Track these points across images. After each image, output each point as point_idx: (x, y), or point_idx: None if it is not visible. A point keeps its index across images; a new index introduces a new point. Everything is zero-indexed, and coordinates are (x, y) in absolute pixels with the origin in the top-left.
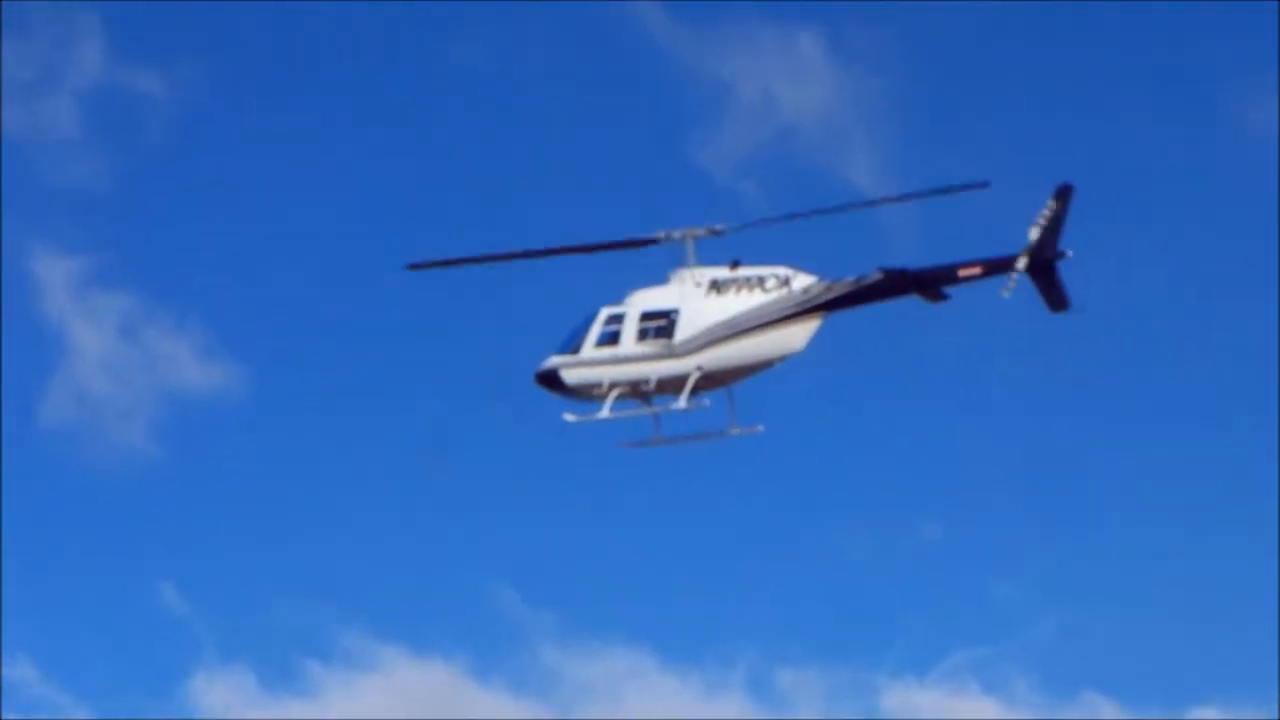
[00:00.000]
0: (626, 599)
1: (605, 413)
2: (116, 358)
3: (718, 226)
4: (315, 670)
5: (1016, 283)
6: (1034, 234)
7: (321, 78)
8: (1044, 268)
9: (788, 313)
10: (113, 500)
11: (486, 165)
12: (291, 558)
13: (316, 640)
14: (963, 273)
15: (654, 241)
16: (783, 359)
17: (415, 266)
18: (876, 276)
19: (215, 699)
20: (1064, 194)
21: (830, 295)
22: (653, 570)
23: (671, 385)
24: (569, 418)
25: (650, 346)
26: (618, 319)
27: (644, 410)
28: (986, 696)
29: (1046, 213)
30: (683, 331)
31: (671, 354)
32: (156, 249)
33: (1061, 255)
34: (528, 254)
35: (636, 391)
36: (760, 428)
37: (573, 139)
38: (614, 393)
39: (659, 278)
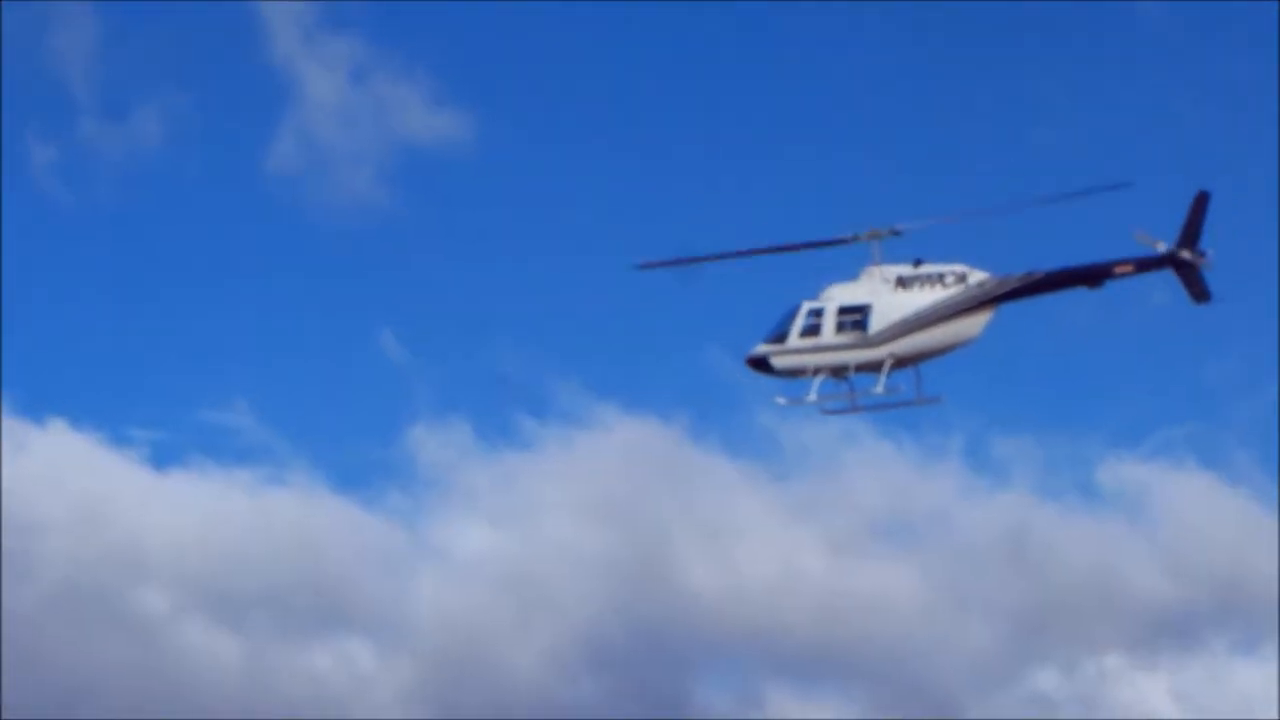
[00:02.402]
0: None
1: (812, 395)
2: (345, 104)
3: (899, 227)
4: (530, 426)
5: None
6: (1178, 237)
7: None
8: (1187, 265)
9: (966, 305)
10: (336, 246)
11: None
12: (511, 311)
13: (534, 395)
14: (1118, 270)
15: (845, 241)
16: (964, 343)
17: (647, 266)
18: (1042, 274)
19: (432, 450)
20: (1202, 200)
21: (1002, 290)
22: None
23: (867, 368)
24: (780, 401)
25: (848, 337)
26: (818, 313)
27: (844, 389)
28: (1204, 470)
29: (1187, 216)
30: (876, 324)
31: (867, 344)
32: None
33: (1202, 256)
34: (742, 253)
35: (837, 373)
36: (942, 398)
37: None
38: (818, 376)
39: (849, 274)
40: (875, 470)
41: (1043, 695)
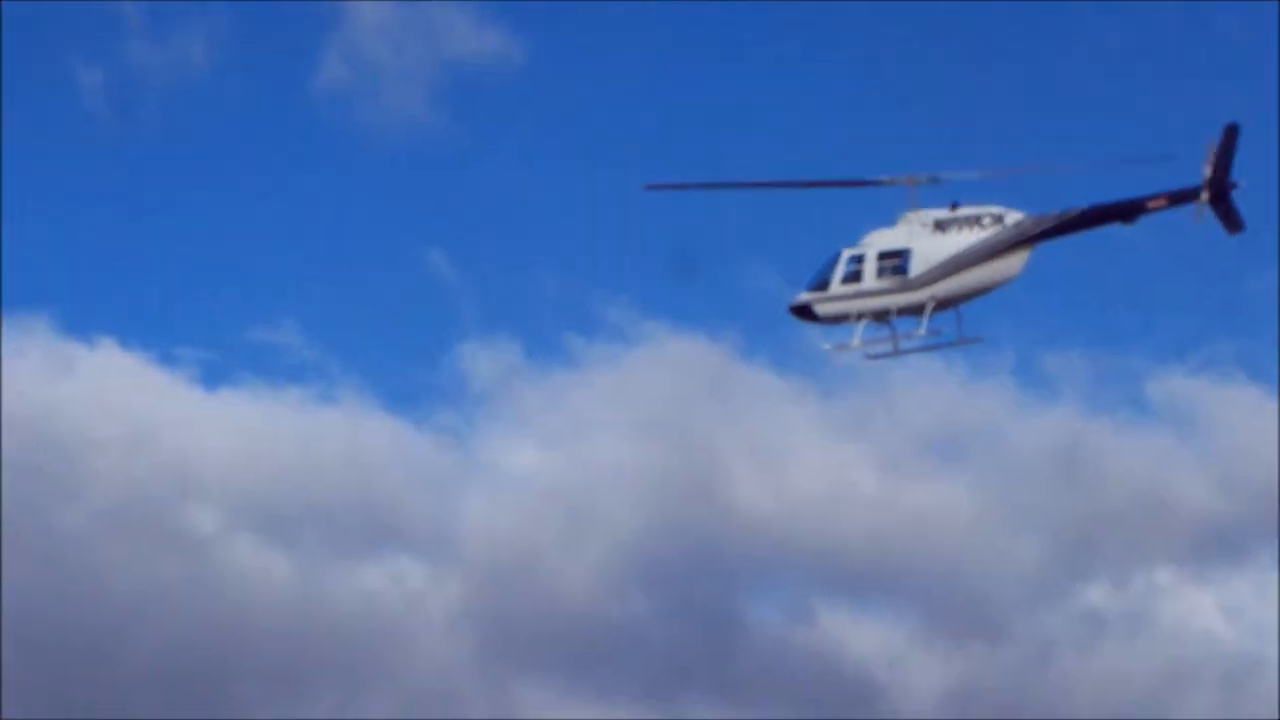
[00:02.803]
0: None
1: (856, 341)
2: (393, 23)
3: (938, 175)
4: (578, 344)
5: (1205, 212)
6: (1208, 169)
7: None
8: (1221, 196)
9: (1004, 246)
10: (384, 166)
11: None
12: (559, 229)
13: (581, 314)
14: (1151, 204)
15: (883, 183)
16: (1004, 283)
17: (653, 187)
18: (1077, 212)
19: (481, 368)
20: (1231, 132)
21: (1039, 229)
22: None
23: (909, 312)
24: (825, 347)
25: (888, 281)
26: (858, 259)
27: (886, 332)
28: (1252, 384)
29: (1217, 149)
30: (916, 267)
31: (907, 288)
32: None
33: (1234, 185)
34: (758, 184)
35: (879, 317)
36: (984, 338)
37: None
38: (861, 321)
39: (888, 220)
40: (924, 387)
41: (1092, 610)
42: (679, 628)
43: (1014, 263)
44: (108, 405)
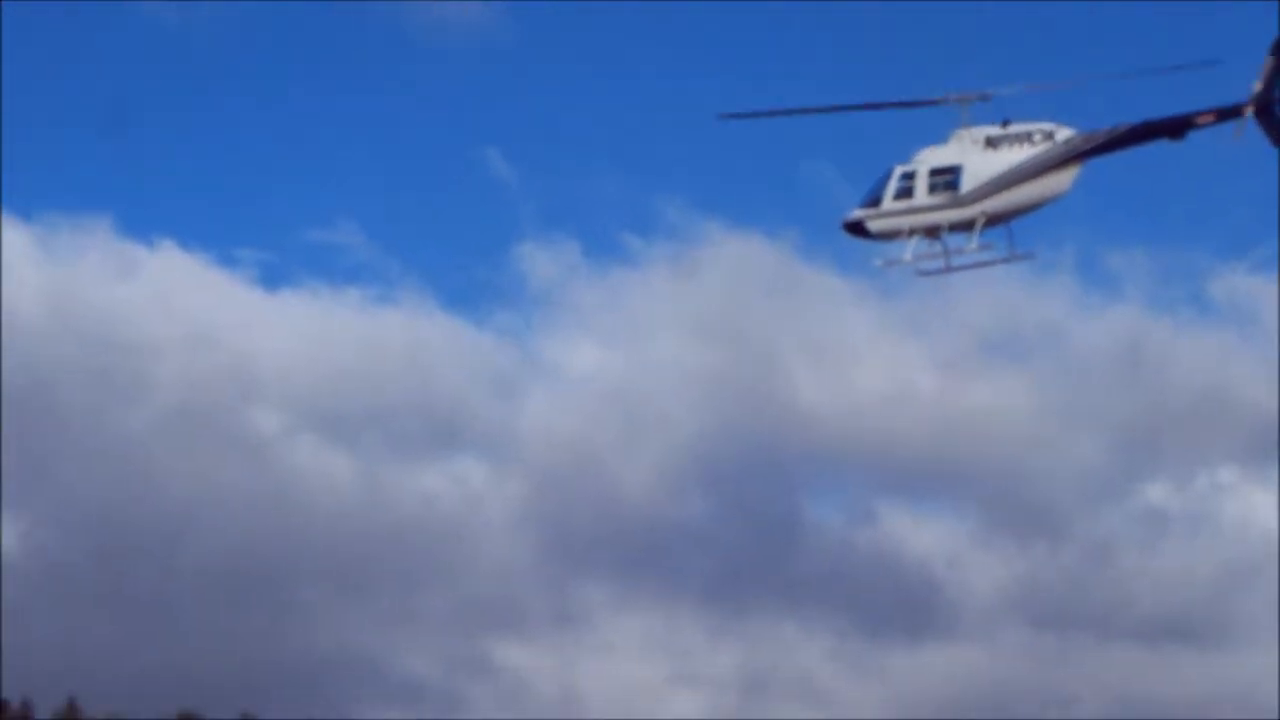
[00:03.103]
0: None
1: (908, 256)
2: None
3: (988, 91)
4: (636, 244)
5: (1245, 127)
6: (1257, 85)
7: None
8: (1267, 110)
9: (1054, 162)
10: (443, 65)
11: None
12: (617, 128)
13: (639, 213)
14: (1200, 120)
15: (936, 102)
16: (1055, 198)
17: (728, 116)
18: (1126, 128)
19: (540, 267)
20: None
21: (1089, 145)
22: None
23: (960, 228)
24: (878, 264)
25: (940, 198)
26: (910, 176)
27: (938, 248)
28: None
29: (1267, 66)
30: (967, 184)
31: (958, 204)
32: None
33: None
34: (832, 108)
35: (930, 233)
36: (1034, 254)
37: None
38: (913, 237)
39: (939, 137)
40: (986, 286)
41: (1154, 509)
42: (738, 529)
43: (1064, 179)
44: (169, 307)
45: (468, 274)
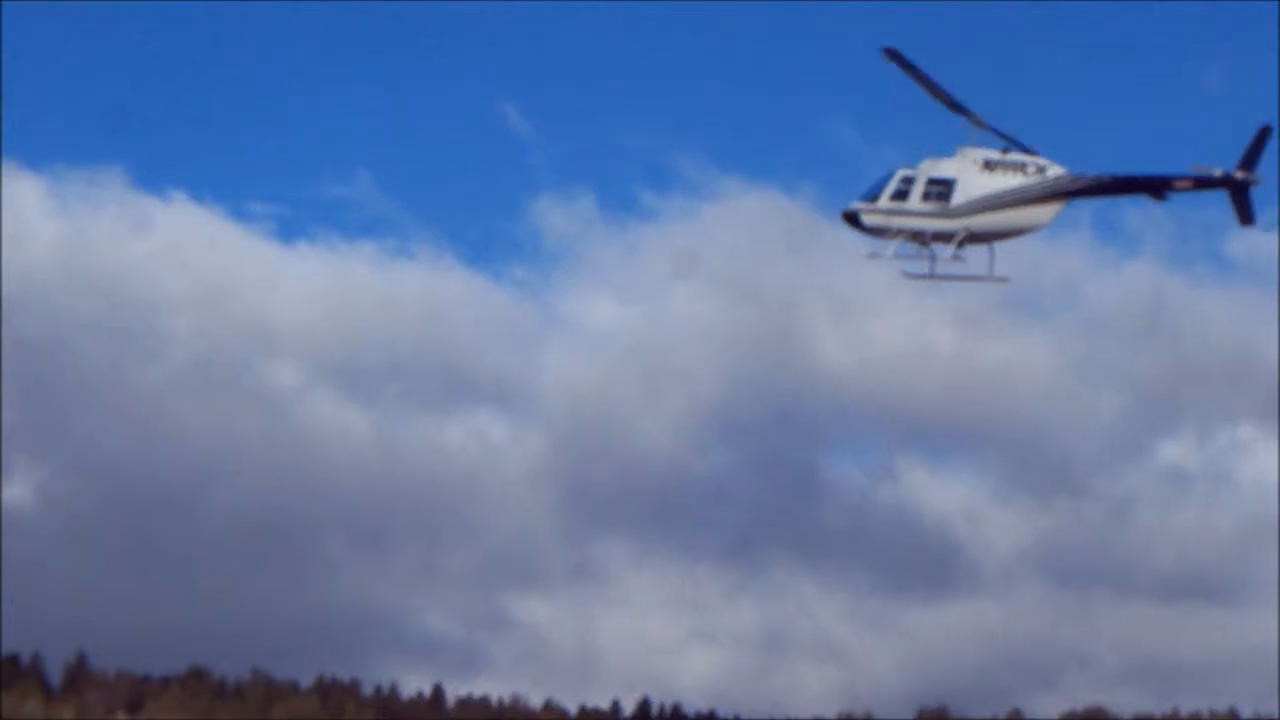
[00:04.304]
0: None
1: (890, 253)
2: None
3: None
4: (652, 199)
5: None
6: (1238, 163)
7: None
8: (1239, 189)
9: (1040, 195)
10: (456, 18)
11: None
12: (632, 82)
13: (655, 168)
14: (1179, 183)
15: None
16: (1032, 229)
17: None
18: (1110, 178)
19: (556, 221)
20: (1264, 133)
21: (1075, 186)
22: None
23: (943, 238)
24: (868, 255)
25: (931, 206)
26: (909, 180)
27: (925, 253)
28: None
29: (1249, 147)
30: (958, 197)
31: (946, 214)
32: None
33: (1254, 181)
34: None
35: (916, 238)
36: (1009, 279)
37: None
38: (899, 237)
39: (947, 150)
40: (1004, 244)
41: (1173, 466)
42: (759, 484)
43: (1045, 213)
44: (183, 261)
45: (484, 228)
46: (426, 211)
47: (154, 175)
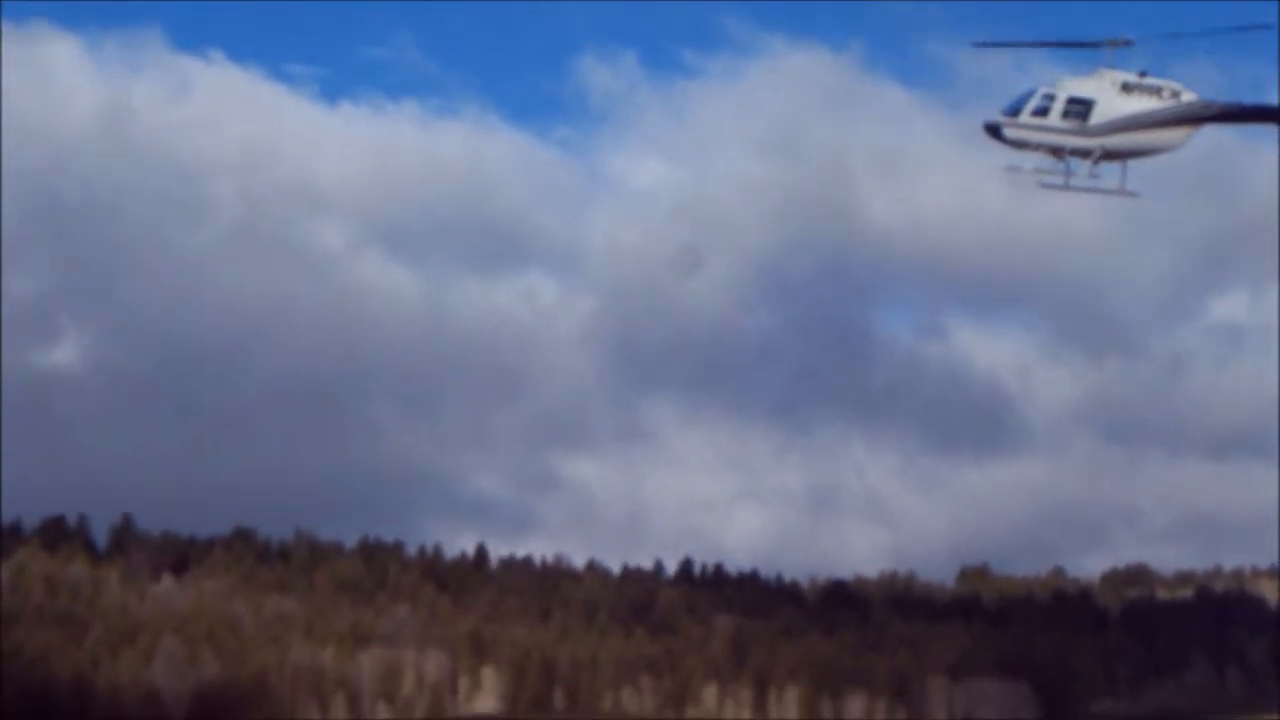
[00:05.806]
0: None
1: (1028, 167)
2: None
3: (1130, 38)
4: (693, 57)
5: None
6: None
7: None
8: None
9: (1174, 119)
10: None
11: None
12: None
13: (698, 26)
14: None
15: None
16: (1166, 150)
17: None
18: (1239, 107)
19: (600, 81)
20: None
21: (1206, 112)
22: None
23: (1080, 154)
24: (1006, 168)
25: (1070, 124)
26: (1050, 98)
27: (1060, 166)
28: None
29: None
30: (1096, 117)
31: (1084, 133)
32: None
33: None
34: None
35: (1055, 152)
36: (1140, 194)
37: None
38: (1038, 152)
39: (1085, 71)
40: None
41: (1227, 323)
42: (807, 343)
43: (1178, 136)
44: (226, 122)
45: (528, 87)
46: (469, 72)
47: (192, 35)
